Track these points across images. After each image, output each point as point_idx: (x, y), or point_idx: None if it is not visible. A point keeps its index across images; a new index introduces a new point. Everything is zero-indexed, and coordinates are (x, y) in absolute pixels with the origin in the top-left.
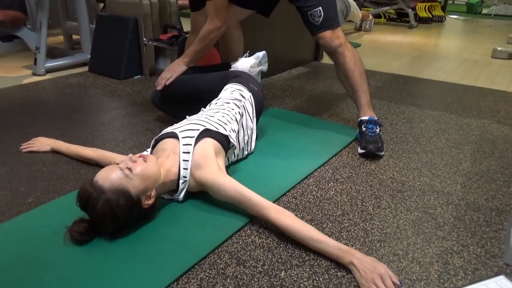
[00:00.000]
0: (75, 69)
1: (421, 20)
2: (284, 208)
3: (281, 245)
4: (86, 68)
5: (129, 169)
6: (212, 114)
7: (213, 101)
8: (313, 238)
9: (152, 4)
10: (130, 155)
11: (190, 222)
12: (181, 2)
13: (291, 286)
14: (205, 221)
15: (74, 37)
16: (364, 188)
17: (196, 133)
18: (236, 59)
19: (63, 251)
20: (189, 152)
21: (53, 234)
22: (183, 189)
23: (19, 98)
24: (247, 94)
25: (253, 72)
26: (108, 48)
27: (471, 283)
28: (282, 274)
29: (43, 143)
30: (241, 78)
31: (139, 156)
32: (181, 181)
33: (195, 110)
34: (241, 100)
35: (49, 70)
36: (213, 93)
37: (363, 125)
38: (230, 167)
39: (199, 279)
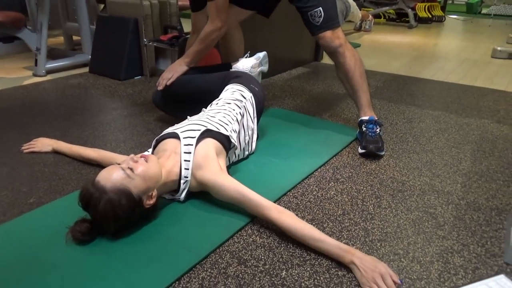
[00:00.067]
0: (75, 70)
1: (420, 20)
2: (285, 208)
3: (282, 245)
4: (86, 69)
5: (131, 169)
6: (213, 114)
7: (214, 102)
8: (314, 238)
9: (152, 5)
10: (132, 155)
11: (191, 222)
12: (182, 2)
13: (292, 285)
14: (206, 221)
15: (75, 38)
16: (365, 188)
17: (197, 134)
18: (236, 60)
19: (65, 251)
20: (190, 152)
21: (55, 234)
22: (184, 189)
23: (20, 99)
24: (248, 95)
25: (254, 73)
26: (109, 49)
27: (471, 282)
28: (283, 274)
29: (44, 144)
30: (241, 78)
31: (141, 156)
32: (182, 181)
33: (196, 110)
34: (242, 101)
35: (49, 71)
36: (214, 94)
37: (363, 125)
38: (231, 167)
39: (200, 278)
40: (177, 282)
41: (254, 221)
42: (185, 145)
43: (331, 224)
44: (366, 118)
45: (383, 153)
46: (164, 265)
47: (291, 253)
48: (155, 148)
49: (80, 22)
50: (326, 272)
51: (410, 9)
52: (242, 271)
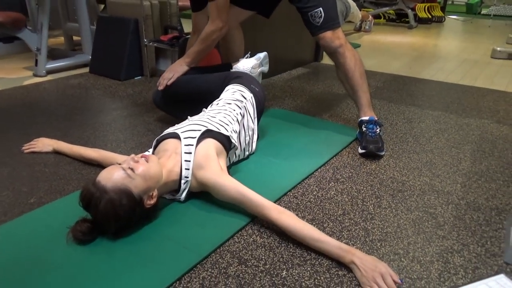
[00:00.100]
0: (76, 70)
1: (420, 21)
2: (285, 208)
3: (283, 245)
4: (87, 69)
5: (131, 169)
6: (214, 114)
7: (215, 102)
8: (314, 238)
9: (152, 5)
10: (132, 155)
11: (192, 222)
12: (182, 3)
13: (293, 285)
14: (206, 220)
15: (75, 38)
16: (365, 188)
17: (197, 134)
18: (237, 60)
19: (66, 251)
20: (190, 153)
21: (56, 234)
22: (184, 189)
23: (20, 99)
24: (248, 95)
25: (254, 73)
26: (109, 49)
27: (471, 281)
28: (284, 273)
29: (45, 144)
30: (242, 79)
31: (141, 156)
32: (182, 181)
33: (196, 111)
34: (242, 101)
35: (50, 71)
36: (214, 94)
37: (363, 125)
38: (232, 167)
39: (201, 278)
40: (177, 281)
41: (255, 221)
42: (185, 145)
43: (331, 224)
44: (366, 118)
45: (383, 153)
46: (164, 265)
47: (291, 253)
48: (156, 148)
49: (80, 22)
50: (326, 272)
51: (410, 10)
52: (243, 271)
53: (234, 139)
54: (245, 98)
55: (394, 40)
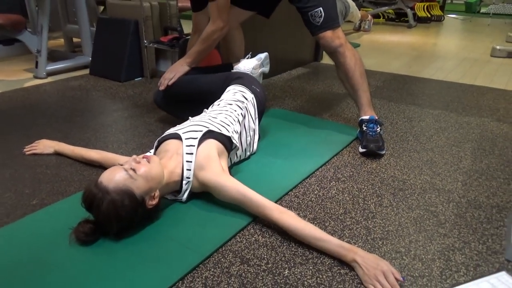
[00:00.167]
0: (76, 72)
1: (420, 20)
2: (287, 207)
3: (284, 244)
4: (87, 71)
5: (133, 170)
6: (215, 115)
7: (216, 102)
8: (315, 237)
9: (152, 6)
10: (134, 156)
11: (193, 222)
12: (181, 4)
13: (295, 284)
14: (208, 220)
15: (75, 40)
16: (366, 187)
17: (199, 135)
18: (237, 60)
19: (69, 252)
20: (192, 153)
21: (58, 235)
22: (186, 189)
23: (21, 101)
24: (250, 96)
25: (255, 74)
26: (109, 50)
27: (473, 279)
28: (286, 272)
29: (46, 146)
30: (243, 79)
31: (143, 157)
32: (184, 182)
33: (197, 111)
34: (243, 102)
35: (50, 73)
36: (215, 94)
37: (363, 125)
38: (233, 167)
39: (203, 278)
40: (180, 281)
41: (256, 220)
42: (187, 146)
43: (332, 223)
44: (366, 117)
45: (383, 152)
46: (167, 265)
47: (293, 252)
48: (157, 148)
49: (80, 24)
50: (328, 270)
51: (409, 9)
52: (245, 270)
53: (235, 139)
54: (246, 99)
55: (393, 39)
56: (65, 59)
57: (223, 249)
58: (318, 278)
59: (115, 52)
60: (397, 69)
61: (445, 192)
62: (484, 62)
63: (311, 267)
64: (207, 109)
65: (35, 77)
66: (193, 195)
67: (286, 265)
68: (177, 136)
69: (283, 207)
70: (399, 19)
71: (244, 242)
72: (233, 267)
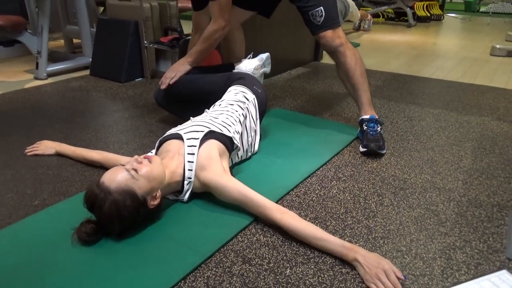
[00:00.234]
0: (76, 72)
1: (419, 19)
2: (288, 207)
3: (286, 243)
4: (87, 72)
5: (135, 170)
6: (216, 115)
7: (217, 103)
8: (317, 237)
9: (152, 7)
10: (136, 156)
11: (195, 222)
12: (181, 4)
13: (297, 283)
14: (210, 220)
15: (75, 41)
16: (367, 186)
17: (200, 135)
18: (237, 60)
19: (71, 252)
20: (193, 154)
21: (60, 236)
22: (187, 190)
23: (21, 102)
24: (251, 96)
25: (257, 74)
26: (109, 51)
27: (474, 277)
28: (288, 272)
29: (47, 146)
30: (245, 80)
31: (144, 157)
32: (185, 182)
33: (198, 110)
34: (244, 102)
35: (50, 74)
36: (217, 94)
37: (364, 124)
38: (234, 167)
39: (205, 277)
40: (182, 281)
41: (258, 220)
42: (188, 146)
43: (334, 222)
44: (367, 117)
45: (384, 151)
46: (169, 264)
47: (295, 251)
48: (159, 149)
49: (80, 25)
50: (330, 269)
51: (408, 8)
52: (247, 269)
53: (237, 140)
54: (248, 100)
55: (393, 38)
56: (65, 60)
57: (225, 248)
58: (320, 277)
59: (115, 53)
60: (397, 69)
61: (445, 191)
62: (484, 61)
63: (312, 266)
64: (208, 109)
65: (36, 78)
66: (194, 195)
67: (288, 265)
68: (178, 136)
69: (284, 208)
70: (398, 18)
71: (245, 242)
72: (235, 266)
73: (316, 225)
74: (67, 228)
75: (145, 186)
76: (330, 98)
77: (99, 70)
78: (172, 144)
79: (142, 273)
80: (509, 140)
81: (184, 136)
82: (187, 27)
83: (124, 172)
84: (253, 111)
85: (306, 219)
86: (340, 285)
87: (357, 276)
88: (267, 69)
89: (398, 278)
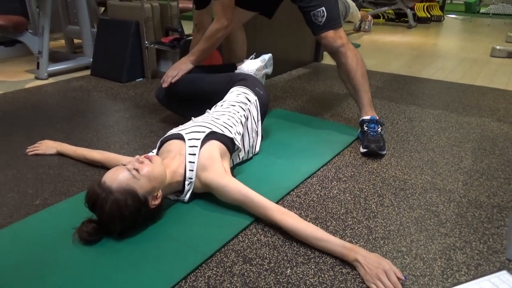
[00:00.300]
0: (77, 72)
1: (419, 20)
2: (288, 207)
3: (287, 243)
4: (88, 72)
5: (136, 169)
6: (218, 116)
7: (219, 103)
8: (317, 238)
9: (153, 7)
10: (137, 156)
11: (196, 222)
12: (182, 5)
13: (297, 283)
14: (211, 220)
15: (76, 41)
16: (367, 187)
17: (202, 135)
18: (239, 61)
19: (72, 251)
20: (195, 154)
21: (61, 235)
22: (188, 190)
23: (22, 102)
24: (253, 98)
25: (259, 75)
26: (110, 51)
27: (474, 278)
28: (288, 272)
29: (48, 146)
30: (247, 81)
31: (145, 157)
32: (186, 183)
33: (199, 110)
34: (246, 103)
35: (51, 74)
36: (219, 95)
37: (365, 125)
38: (235, 168)
39: (206, 277)
40: (183, 280)
41: (259, 220)
42: (190, 146)
43: (334, 222)
44: (367, 117)
45: (384, 152)
46: (170, 264)
47: (295, 252)
48: (160, 148)
49: (81, 25)
50: (330, 269)
51: (409, 9)
52: (248, 269)
53: (238, 141)
54: (249, 101)
55: (393, 39)
56: (66, 60)
57: (226, 248)
58: (320, 277)
59: (116, 53)
60: (397, 69)
61: (446, 192)
62: (484, 62)
63: (313, 267)
64: (210, 109)
65: (37, 78)
66: (195, 195)
67: (288, 265)
68: (180, 137)
69: (285, 208)
70: (399, 19)
71: (246, 242)
72: (236, 266)
73: (317, 226)
74: (68, 227)
75: (146, 185)
76: (330, 98)
77: (100, 70)
78: (174, 144)
79: (143, 272)
80: (509, 141)
81: (186, 137)
82: (188, 28)
83: (126, 172)
84: (255, 113)
85: (306, 220)
86: (341, 285)
87: (358, 276)
88: (269, 70)
89: (399, 279)
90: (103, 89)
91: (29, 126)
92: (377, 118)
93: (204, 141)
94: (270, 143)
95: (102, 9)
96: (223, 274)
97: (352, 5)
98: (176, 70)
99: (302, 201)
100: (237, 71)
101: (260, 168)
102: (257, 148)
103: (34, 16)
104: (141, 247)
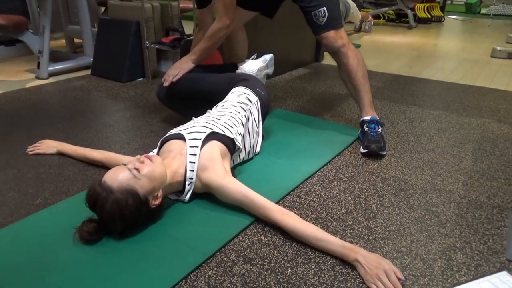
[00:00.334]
0: (77, 72)
1: (420, 21)
2: (289, 207)
3: (287, 243)
4: (88, 72)
5: (137, 169)
6: (219, 116)
7: (220, 103)
8: (317, 238)
9: (153, 7)
10: (138, 156)
11: (196, 222)
12: (183, 5)
13: (297, 283)
14: (211, 220)
15: (76, 40)
16: (367, 187)
17: (203, 136)
18: (239, 61)
19: (72, 251)
20: (195, 154)
21: (62, 234)
22: (189, 190)
23: (23, 102)
24: (254, 99)
25: (260, 75)
26: (111, 51)
27: (474, 278)
28: (288, 272)
29: (49, 146)
30: (248, 82)
31: (145, 157)
32: (187, 183)
33: (200, 109)
34: (247, 104)
35: (52, 74)
36: (220, 95)
37: (365, 125)
38: (236, 168)
39: (207, 277)
40: (184, 280)
41: (259, 220)
42: (190, 146)
43: (334, 223)
44: (368, 118)
45: (385, 152)
46: (170, 264)
47: (295, 252)
48: (160, 148)
49: (81, 25)
50: (330, 269)
51: (409, 10)
52: (248, 269)
53: (239, 141)
54: (251, 102)
55: (394, 40)
56: (66, 59)
57: (226, 248)
58: (320, 277)
59: (117, 52)
60: (398, 70)
61: (446, 193)
62: (484, 63)
63: (313, 267)
64: (211, 109)
65: (37, 77)
66: (195, 195)
67: (289, 265)
68: (180, 137)
69: (285, 209)
70: (399, 20)
71: (246, 242)
72: (236, 266)
73: (317, 226)
74: (68, 227)
75: (147, 185)
76: (331, 99)
77: (100, 70)
78: (174, 144)
79: (143, 272)
80: (509, 142)
81: (186, 137)
82: (188, 28)
83: (126, 172)
84: (256, 114)
85: (306, 220)
86: (341, 285)
87: (358, 276)
88: (270, 70)
89: (399, 279)
90: (104, 88)
91: (29, 125)
92: (378, 118)
93: (205, 142)
94: (271, 143)
95: (103, 9)
96: (223, 274)
97: (353, 5)
98: (177, 69)
99: (303, 201)
100: (238, 71)
101: (260, 168)
102: (258, 149)
103: (34, 16)
104: (141, 247)
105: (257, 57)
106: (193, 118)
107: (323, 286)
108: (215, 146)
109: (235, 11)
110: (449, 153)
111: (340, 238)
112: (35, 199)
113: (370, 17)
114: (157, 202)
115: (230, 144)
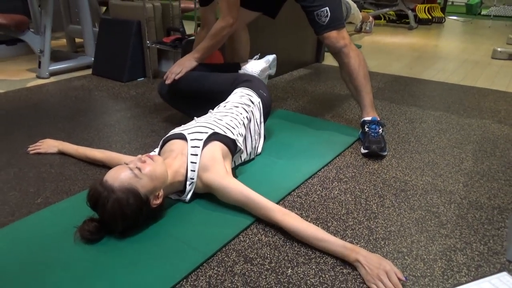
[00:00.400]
0: (78, 72)
1: (420, 22)
2: (289, 207)
3: (287, 243)
4: (89, 71)
5: (139, 169)
6: (221, 117)
7: (222, 104)
8: (318, 238)
9: (155, 7)
10: (139, 155)
11: (197, 221)
12: (184, 5)
13: (298, 283)
14: (212, 220)
15: (77, 40)
16: (368, 188)
17: (204, 136)
18: (241, 60)
19: (73, 250)
20: (197, 155)
21: (63, 234)
22: (190, 190)
23: (24, 101)
24: (256, 100)
25: (262, 76)
26: (112, 51)
27: (474, 279)
28: (289, 271)
29: (50, 145)
30: (251, 83)
31: (146, 157)
32: (188, 183)
33: (202, 108)
34: (249, 105)
35: (53, 73)
36: (222, 95)
37: (366, 126)
38: (236, 168)
39: (207, 276)
40: (184, 280)
41: (259, 220)
42: (192, 147)
43: (335, 223)
44: (368, 118)
45: (385, 153)
46: (171, 263)
47: (296, 252)
48: (162, 148)
49: (82, 24)
50: (331, 270)
51: (410, 11)
52: (249, 269)
53: (240, 142)
54: (253, 103)
55: (394, 41)
56: (67, 59)
57: (227, 248)
58: (321, 278)
59: (118, 52)
60: (398, 71)
61: (446, 193)
62: (485, 64)
63: (314, 267)
64: (213, 109)
65: (38, 77)
66: (196, 195)
67: (289, 264)
68: (182, 137)
69: (286, 209)
70: (400, 20)
71: (247, 242)
72: (237, 266)
73: (318, 226)
74: (69, 226)
75: (148, 185)
76: (331, 99)
77: (101, 70)
78: (176, 144)
79: (144, 271)
80: (510, 143)
81: (188, 137)
82: (189, 28)
83: (128, 171)
84: (258, 115)
85: (307, 220)
86: (341, 285)
87: (358, 276)
88: (272, 71)
89: (399, 279)
90: (105, 88)
91: (30, 125)
92: (378, 119)
93: (206, 142)
94: (271, 143)
95: (104, 8)
96: (224, 274)
97: (353, 6)
98: (180, 67)
99: (303, 202)
100: (241, 71)
101: (261, 168)
102: (259, 150)
103: (36, 15)
104: (142, 246)
105: (260, 57)
106: (195, 118)
107: (323, 286)
108: (217, 146)
109: (238, 10)
110: (449, 154)
111: (341, 239)
112: (36, 198)
113: (371, 18)
114: (158, 201)
115: (231, 145)
